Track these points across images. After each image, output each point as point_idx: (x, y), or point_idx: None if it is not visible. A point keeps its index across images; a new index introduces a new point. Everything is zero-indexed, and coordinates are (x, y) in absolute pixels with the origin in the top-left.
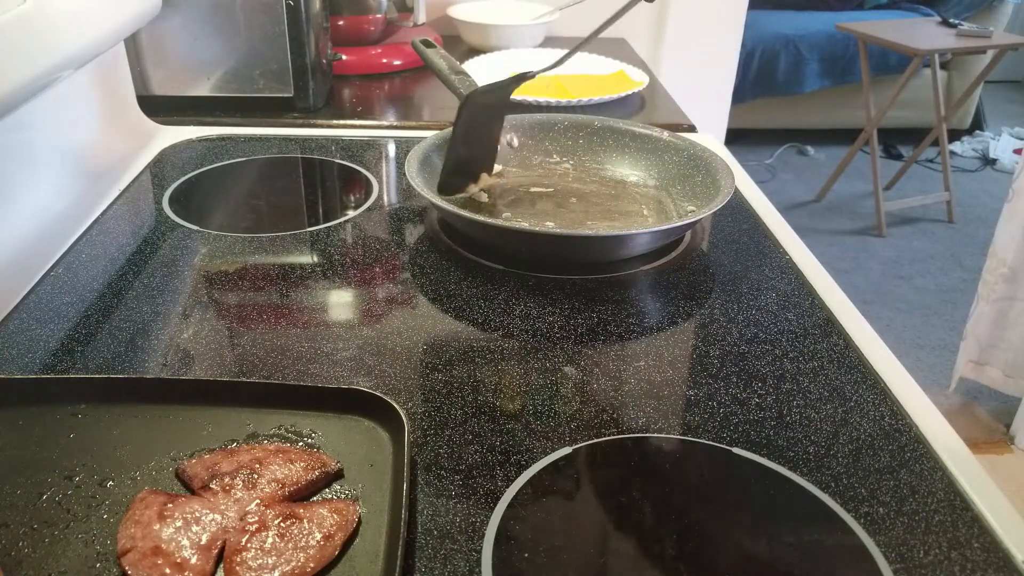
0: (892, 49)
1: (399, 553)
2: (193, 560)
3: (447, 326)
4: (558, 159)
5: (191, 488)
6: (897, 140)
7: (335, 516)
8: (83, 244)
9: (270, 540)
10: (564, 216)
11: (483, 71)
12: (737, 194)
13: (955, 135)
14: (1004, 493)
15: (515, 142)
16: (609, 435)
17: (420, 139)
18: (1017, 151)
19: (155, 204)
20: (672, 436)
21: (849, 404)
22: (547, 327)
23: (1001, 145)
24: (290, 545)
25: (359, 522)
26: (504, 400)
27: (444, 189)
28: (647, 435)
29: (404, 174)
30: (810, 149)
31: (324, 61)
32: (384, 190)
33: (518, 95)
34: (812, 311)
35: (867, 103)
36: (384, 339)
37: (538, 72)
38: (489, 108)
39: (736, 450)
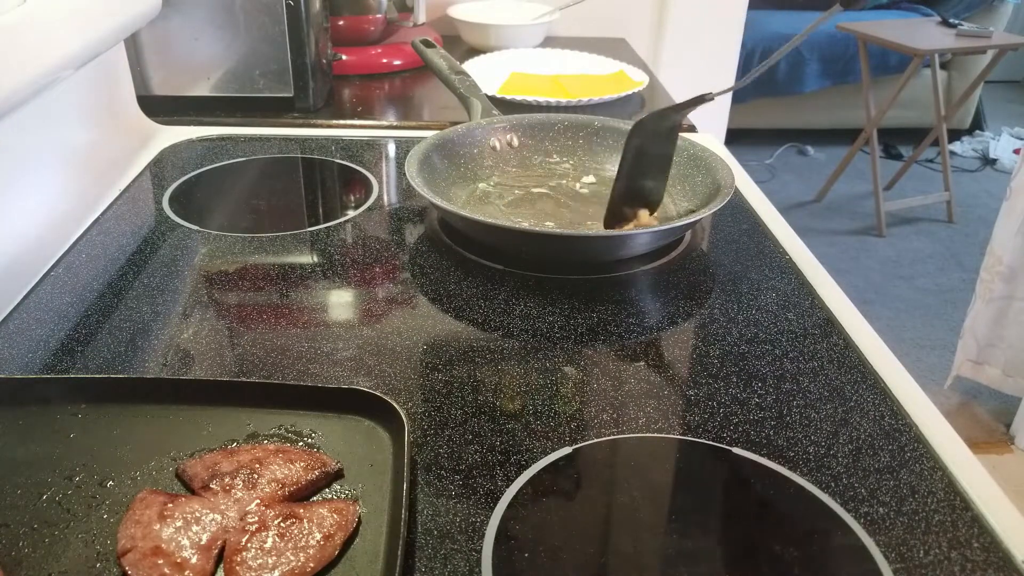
0: (892, 49)
1: (399, 553)
2: (193, 560)
3: (447, 326)
4: (558, 159)
5: (191, 488)
6: (897, 140)
7: (335, 516)
8: (83, 244)
9: (270, 540)
10: (564, 216)
11: (483, 71)
12: (737, 194)
13: (955, 135)
14: (1004, 493)
15: (515, 142)
16: (609, 435)
17: (420, 139)
18: (1017, 151)
19: (155, 204)
20: (672, 436)
21: (849, 404)
22: (547, 327)
23: (1001, 145)
24: (290, 545)
25: (359, 522)
26: (504, 400)
27: (606, 224)
28: (647, 435)
29: (404, 174)
30: (810, 149)
31: (324, 61)
32: (384, 190)
33: (517, 95)
34: (812, 311)
35: (867, 103)
36: (384, 339)
37: (719, 93)
38: (660, 134)
39: (736, 450)
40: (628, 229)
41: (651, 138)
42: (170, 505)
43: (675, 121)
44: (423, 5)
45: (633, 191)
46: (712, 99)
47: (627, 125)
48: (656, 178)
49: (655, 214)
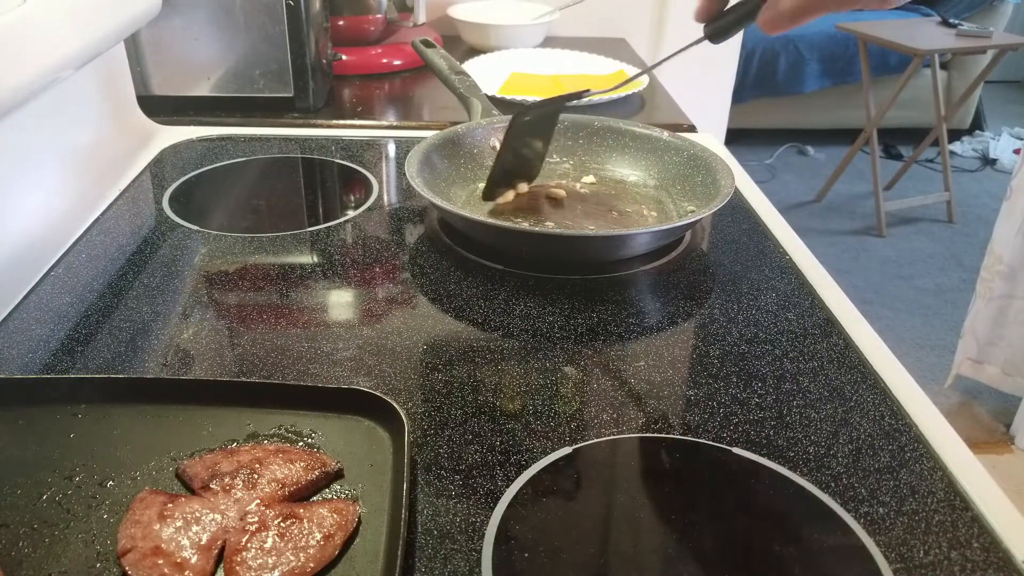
0: (892, 49)
1: (399, 553)
2: (193, 560)
3: (447, 326)
4: (558, 159)
5: (191, 488)
6: (897, 140)
7: (335, 516)
8: (83, 244)
9: (270, 540)
10: (564, 216)
11: (483, 71)
12: (737, 194)
13: (955, 135)
14: (1004, 493)
15: None
16: (609, 435)
17: (420, 139)
18: (1017, 151)
19: (155, 204)
20: (672, 436)
21: (849, 404)
22: (547, 327)
23: (1001, 145)
24: (290, 545)
25: (359, 522)
26: (504, 400)
27: (485, 196)
28: (647, 435)
29: (404, 174)
30: (810, 149)
31: (324, 61)
32: (384, 190)
33: (517, 95)
34: (812, 311)
35: (867, 103)
36: (384, 339)
37: (596, 93)
38: (536, 123)
39: (736, 450)
40: (627, 230)
41: (532, 125)
42: (170, 505)
43: (555, 110)
44: (423, 5)
45: (513, 168)
46: (590, 95)
47: (627, 125)
48: (534, 156)
49: (530, 185)
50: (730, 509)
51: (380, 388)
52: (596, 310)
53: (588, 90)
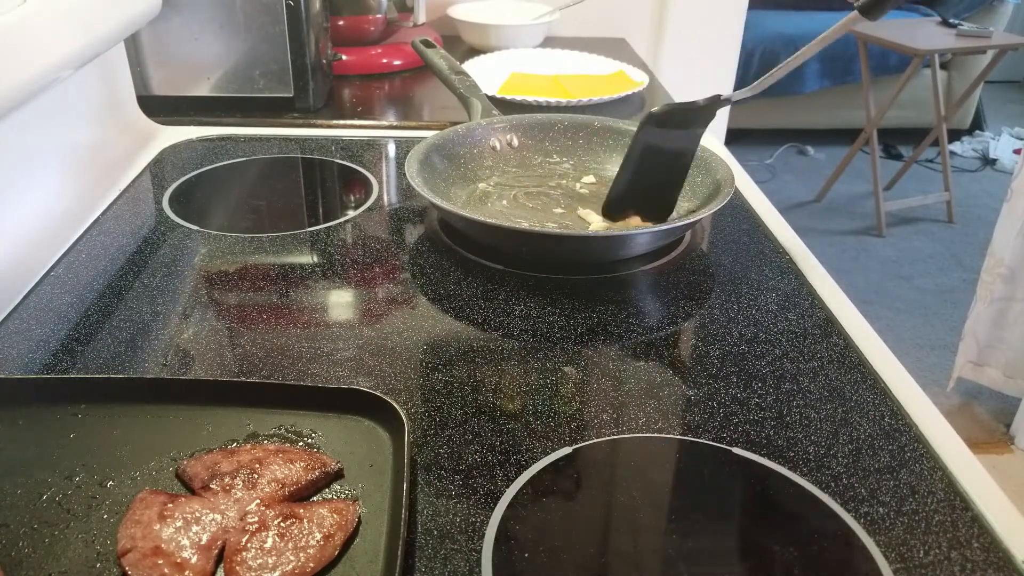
0: (892, 49)
1: (399, 553)
2: (193, 560)
3: (447, 326)
4: (558, 159)
5: (191, 488)
6: (897, 140)
7: (335, 516)
8: (83, 244)
9: (270, 540)
10: (564, 216)
11: (483, 71)
12: (737, 194)
13: (955, 135)
14: (1004, 493)
15: (515, 142)
16: (609, 435)
17: (420, 139)
18: (1017, 151)
19: (155, 204)
20: (672, 436)
21: (849, 404)
22: (547, 327)
23: (1001, 145)
24: (290, 545)
25: (359, 522)
26: (504, 400)
27: (604, 211)
28: (647, 435)
29: (404, 174)
30: (810, 149)
31: (324, 61)
32: (384, 190)
33: (517, 95)
34: (812, 311)
35: (867, 103)
36: (384, 339)
37: (737, 97)
38: (670, 136)
39: (736, 450)
40: (627, 230)
41: (664, 138)
42: (170, 505)
43: (694, 121)
44: (423, 5)
45: (639, 188)
46: (730, 102)
47: (627, 125)
48: (663, 181)
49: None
50: (730, 509)
51: (380, 388)
52: (596, 310)
53: (719, 96)
